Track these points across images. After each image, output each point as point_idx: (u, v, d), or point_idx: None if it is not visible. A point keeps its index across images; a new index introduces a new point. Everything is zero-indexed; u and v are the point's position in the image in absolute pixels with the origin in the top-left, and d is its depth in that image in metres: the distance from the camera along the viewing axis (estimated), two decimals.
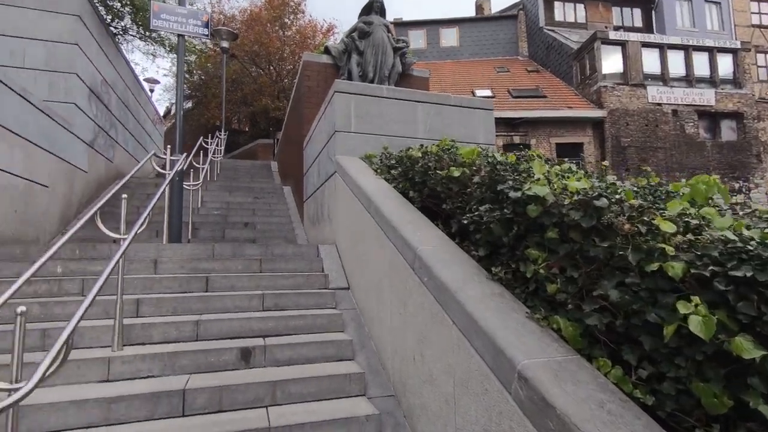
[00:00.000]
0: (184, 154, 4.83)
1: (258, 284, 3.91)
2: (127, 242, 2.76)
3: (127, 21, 9.57)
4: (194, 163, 7.86)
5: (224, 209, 7.69)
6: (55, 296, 3.41)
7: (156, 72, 44.47)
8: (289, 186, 9.81)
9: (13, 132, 4.88)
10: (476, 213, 2.30)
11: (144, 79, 23.42)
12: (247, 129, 21.63)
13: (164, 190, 4.01)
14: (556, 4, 22.38)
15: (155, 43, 10.17)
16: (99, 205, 3.13)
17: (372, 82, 7.38)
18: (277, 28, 18.12)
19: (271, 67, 18.63)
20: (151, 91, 24.01)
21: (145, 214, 3.09)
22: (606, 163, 3.68)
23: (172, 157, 4.67)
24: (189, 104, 23.78)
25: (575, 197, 1.79)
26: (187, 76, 21.77)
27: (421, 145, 4.52)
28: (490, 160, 2.61)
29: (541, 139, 17.14)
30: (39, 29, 6.49)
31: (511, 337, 1.79)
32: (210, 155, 8.46)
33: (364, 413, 2.55)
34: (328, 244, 4.88)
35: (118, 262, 2.60)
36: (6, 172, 4.77)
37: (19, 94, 5.02)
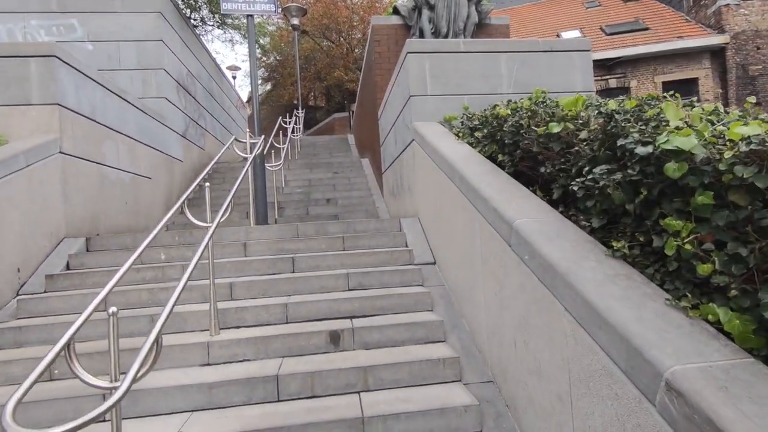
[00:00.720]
0: (262, 137, 4.88)
1: (342, 262, 3.84)
2: (211, 230, 2.79)
3: (204, 12, 9.89)
4: (275, 144, 8.06)
5: (306, 186, 7.83)
6: (161, 282, 3.65)
7: (235, 59, 46.83)
8: (366, 158, 9.72)
9: (116, 131, 5.29)
10: (589, 176, 1.87)
11: (226, 68, 24.79)
12: (323, 104, 21.97)
13: (247, 173, 4.05)
14: None
15: (232, 30, 10.47)
16: (185, 196, 3.22)
17: (446, 37, 6.82)
18: None
19: (341, 38, 18.46)
20: (234, 78, 25.39)
21: (226, 203, 3.11)
22: (752, 99, 2.92)
23: (251, 141, 4.73)
24: (268, 86, 24.75)
25: (743, 148, 1.31)
26: (264, 58, 22.55)
27: (508, 101, 4.03)
28: (602, 109, 2.12)
29: (644, 79, 15.00)
30: (129, 30, 6.93)
31: (650, 332, 1.41)
32: (289, 134, 8.61)
33: (462, 402, 2.34)
34: (410, 218, 4.66)
35: (205, 249, 2.62)
36: (115, 168, 5.23)
37: (118, 95, 5.41)
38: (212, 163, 4.23)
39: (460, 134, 3.99)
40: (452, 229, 3.33)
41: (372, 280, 3.54)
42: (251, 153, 4.45)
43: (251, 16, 5.11)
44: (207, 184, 3.23)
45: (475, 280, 2.83)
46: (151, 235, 2.70)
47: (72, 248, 4.05)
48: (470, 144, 3.71)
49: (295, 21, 15.35)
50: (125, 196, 5.45)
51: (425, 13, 7.18)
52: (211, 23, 10.35)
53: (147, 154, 6.19)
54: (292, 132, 10.83)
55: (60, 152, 4.19)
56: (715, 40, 14.15)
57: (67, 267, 3.89)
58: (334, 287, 3.48)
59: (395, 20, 7.52)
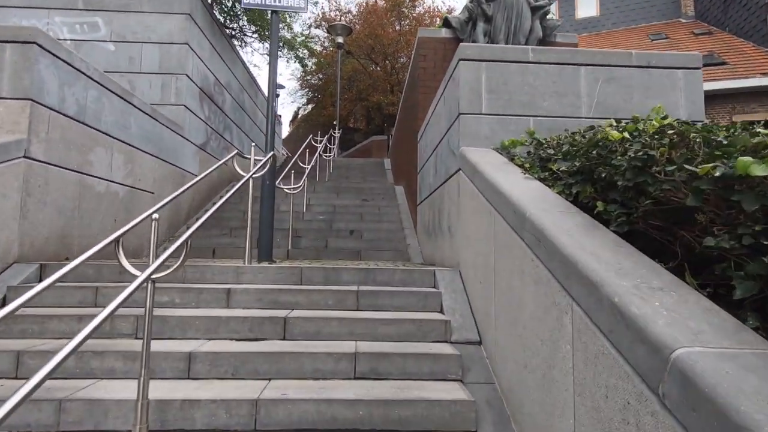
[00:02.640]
0: (272, 153, 3.99)
1: (352, 331, 2.78)
2: (138, 281, 1.81)
3: (244, 22, 9.44)
4: (300, 163, 7.23)
5: (330, 214, 6.90)
6: (105, 336, 2.71)
7: (279, 76, 48.08)
8: (401, 186, 8.74)
9: (111, 136, 4.57)
10: None
11: None
12: (362, 126, 21.43)
13: (247, 195, 3.12)
14: None
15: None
16: (124, 230, 2.27)
17: None
18: (393, 19, 17.31)
19: (386, 60, 17.93)
20: (277, 95, 25.52)
21: (175, 245, 2.13)
22: None
23: (256, 157, 3.85)
24: (309, 107, 24.62)
25: None
26: (308, 78, 22.44)
27: (591, 127, 2.93)
28: None
29: (720, 117, 13.38)
30: (153, 32, 6.39)
31: None
32: (317, 154, 7.78)
33: None
34: (447, 269, 3.56)
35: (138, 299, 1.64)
36: (103, 179, 4.47)
37: (119, 96, 4.72)
38: (189, 184, 3.33)
39: (527, 166, 2.91)
40: (514, 302, 2.22)
41: (389, 367, 2.45)
42: (253, 171, 3.53)
43: (276, 12, 4.33)
44: (155, 216, 2.27)
45: (560, 402, 1.70)
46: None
47: (18, 277, 3.23)
48: (542, 181, 2.62)
49: (340, 39, 14.93)
50: (115, 213, 4.68)
51: (480, 25, 6.25)
52: (251, 35, 9.86)
53: (152, 165, 5.46)
54: (325, 151, 10.05)
55: (25, 157, 3.44)
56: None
57: (3, 302, 3.04)
58: (333, 373, 2.42)
59: (445, 33, 6.63)
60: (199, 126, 6.93)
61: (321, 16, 18.60)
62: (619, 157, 1.78)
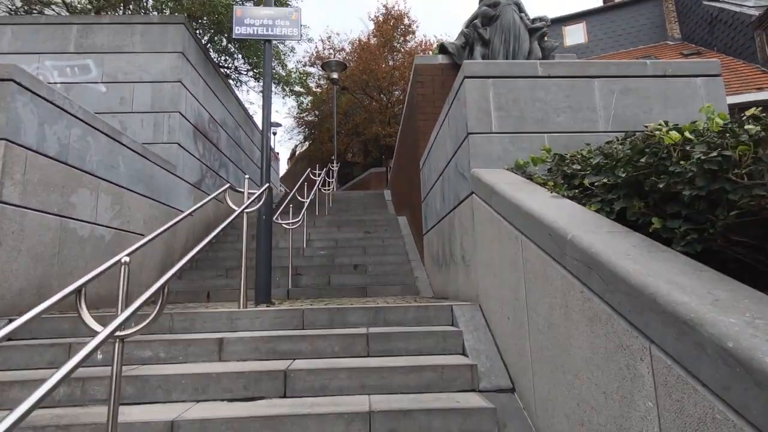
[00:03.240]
0: (267, 185, 3.71)
1: (363, 383, 2.38)
2: (96, 341, 1.45)
3: (239, 62, 9.45)
4: (298, 197, 6.96)
5: (332, 248, 6.56)
6: (77, 403, 2.32)
7: (275, 113, 48.73)
8: (404, 216, 8.44)
9: (97, 177, 4.30)
10: None
11: None
12: (360, 160, 21.41)
13: (240, 232, 2.80)
14: None
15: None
16: (83, 280, 1.94)
17: None
18: (385, 54, 17.59)
19: (381, 94, 18.08)
20: (274, 134, 25.69)
21: (143, 297, 1.79)
22: None
23: (250, 191, 3.57)
24: (306, 144, 24.74)
25: None
26: (304, 115, 22.64)
27: (609, 142, 2.67)
28: None
29: None
30: (145, 71, 6.27)
31: None
32: (316, 187, 7.53)
33: None
34: (465, 303, 3.19)
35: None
36: (88, 222, 4.17)
37: (107, 134, 4.49)
38: (168, 225, 3.02)
39: (550, 184, 2.61)
40: (557, 343, 1.85)
41: (412, 427, 2.05)
42: (245, 205, 3.23)
43: (269, 41, 4.17)
44: (125, 259, 1.95)
45: None
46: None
47: None
48: (572, 199, 2.31)
49: (335, 75, 15.06)
50: (101, 258, 4.34)
51: (478, 50, 6.14)
52: (246, 73, 9.86)
53: (142, 206, 5.17)
54: (323, 185, 9.83)
55: None
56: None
57: None
58: None
59: (441, 59, 6.53)
60: (193, 164, 6.71)
61: (315, 54, 18.95)
62: (681, 163, 1.47)
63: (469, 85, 3.44)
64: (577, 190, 2.39)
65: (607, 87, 3.48)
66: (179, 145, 6.20)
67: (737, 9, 15.98)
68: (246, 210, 3.37)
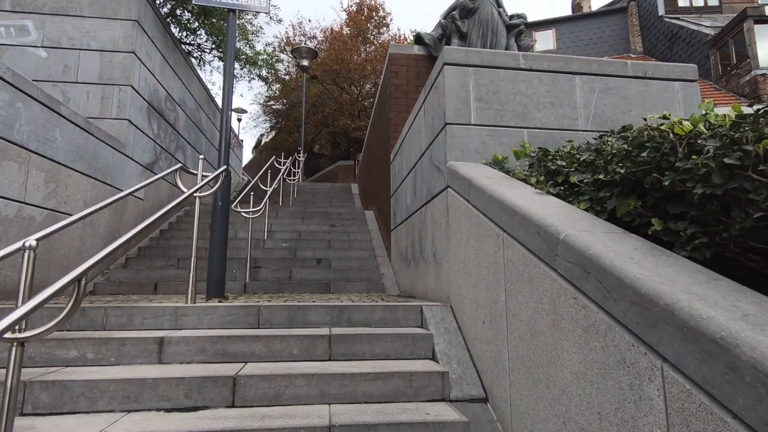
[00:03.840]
0: (224, 168, 3.36)
1: (323, 391, 2.14)
2: None
3: (202, 39, 8.85)
4: (261, 186, 6.57)
5: (294, 241, 6.23)
6: None
7: (240, 98, 47.05)
8: (371, 211, 8.21)
9: (27, 149, 3.79)
10: None
11: (232, 110, 24.13)
12: (328, 152, 20.95)
13: (192, 219, 2.46)
14: None
15: (236, 63, 9.38)
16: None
17: None
18: (358, 45, 17.21)
19: (353, 86, 17.70)
20: (239, 120, 24.71)
21: (51, 290, 1.45)
22: None
23: (204, 173, 3.21)
24: (272, 133, 23.97)
25: None
26: (272, 103, 21.89)
27: (589, 144, 2.56)
28: None
29: None
30: (93, 38, 5.68)
31: None
32: (280, 176, 7.15)
33: None
34: (435, 304, 3.00)
35: None
36: (13, 200, 3.66)
37: (42, 102, 3.97)
38: (83, 213, 2.64)
39: (533, 181, 2.45)
40: (542, 353, 1.68)
41: None
42: (196, 188, 2.87)
43: (233, 11, 3.80)
44: (29, 243, 1.60)
45: None
46: None
47: None
48: (557, 197, 2.16)
49: (305, 63, 14.57)
50: None
51: (455, 42, 5.98)
52: (210, 52, 9.27)
53: (83, 186, 4.66)
54: (288, 174, 9.43)
55: None
56: (750, 109, 13.17)
57: None
58: None
59: (417, 50, 6.32)
60: (146, 144, 6.17)
61: (285, 40, 18.28)
62: (693, 158, 1.31)
63: (449, 72, 3.24)
64: (561, 188, 2.24)
65: (588, 85, 3.38)
66: (130, 122, 5.67)
67: (695, 27, 16.77)
68: (198, 194, 3.02)
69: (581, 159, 2.14)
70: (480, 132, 3.19)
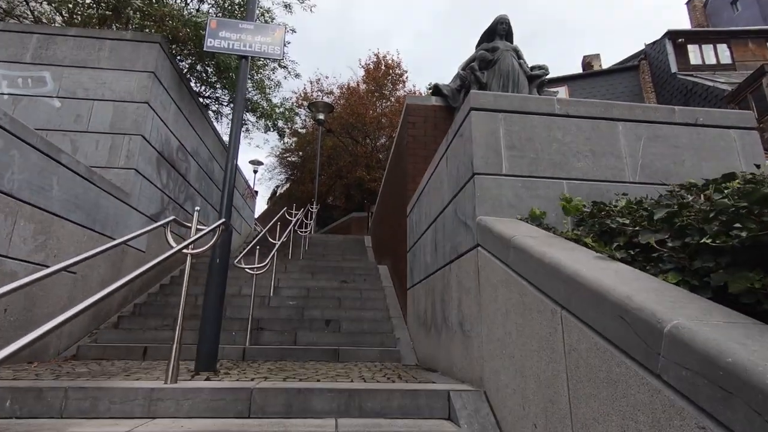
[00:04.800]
0: (221, 222, 3.00)
1: None
2: None
3: (220, 92, 8.97)
4: (269, 239, 6.22)
5: (303, 298, 5.75)
6: None
7: (257, 149, 48.27)
8: (385, 265, 7.75)
9: (17, 198, 3.52)
10: None
11: (249, 162, 24.57)
12: (341, 203, 20.85)
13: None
14: (690, 47, 19.24)
15: (250, 114, 9.45)
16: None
17: None
18: (374, 100, 17.58)
19: (367, 139, 17.88)
20: (255, 172, 25.08)
21: None
22: None
23: (199, 226, 2.85)
24: (287, 184, 24.17)
25: None
26: (287, 155, 22.23)
27: (639, 201, 2.14)
28: None
29: None
30: (108, 89, 5.65)
31: None
32: (291, 228, 6.82)
33: None
34: (466, 389, 2.46)
35: None
36: None
37: (40, 150, 3.76)
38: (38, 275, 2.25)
39: (588, 241, 2.01)
40: None
41: None
42: (185, 243, 2.48)
43: (245, 58, 3.64)
44: None
45: None
46: None
47: None
48: (624, 262, 1.71)
49: (321, 116, 14.79)
50: (6, 302, 3.46)
51: None
52: (228, 105, 9.36)
53: (77, 238, 4.35)
54: (299, 226, 9.13)
55: None
56: None
57: None
58: None
59: (435, 101, 6.16)
60: (153, 194, 5.95)
61: (303, 95, 18.82)
62: None
63: (477, 118, 2.91)
64: (628, 252, 1.79)
65: (632, 132, 3.02)
66: (137, 171, 5.47)
67: (710, 83, 16.77)
68: (189, 250, 2.64)
69: (659, 216, 1.70)
70: (513, 183, 2.80)
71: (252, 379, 2.65)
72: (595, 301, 1.39)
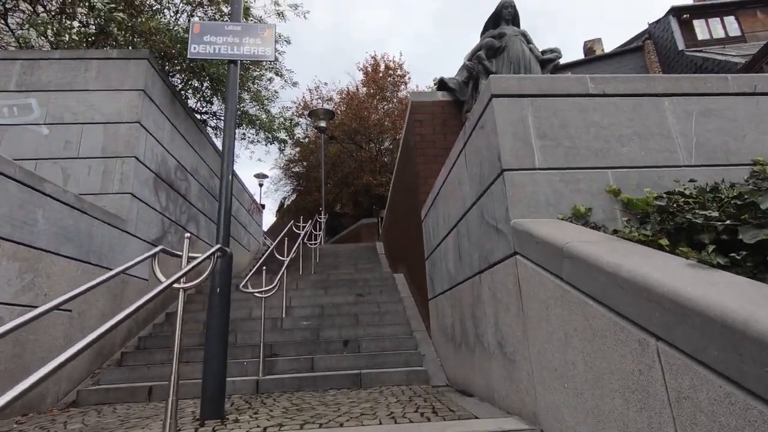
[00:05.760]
0: (215, 249, 2.64)
1: None
2: None
3: (216, 106, 8.69)
4: (276, 255, 5.87)
5: (317, 318, 5.38)
6: None
7: (259, 163, 48.26)
8: (400, 273, 7.36)
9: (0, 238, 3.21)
10: None
11: (254, 175, 24.37)
12: (350, 211, 20.51)
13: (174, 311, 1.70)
14: (696, 23, 18.64)
15: (249, 127, 9.15)
16: None
17: None
18: (375, 102, 17.23)
19: (371, 143, 17.54)
20: (260, 185, 24.85)
21: None
22: None
23: (192, 254, 2.51)
24: (293, 196, 23.90)
25: None
26: (291, 166, 21.97)
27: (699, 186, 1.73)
28: None
29: None
30: (98, 111, 5.36)
31: None
32: (299, 242, 6.47)
33: None
34: (518, 426, 2.06)
35: None
36: None
37: (20, 181, 3.45)
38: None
39: (663, 243, 1.61)
40: None
41: None
42: (176, 277, 2.11)
43: (234, 62, 3.31)
44: None
45: None
46: None
47: None
48: (724, 268, 1.30)
49: (322, 124, 14.49)
50: None
51: (484, 83, 5.39)
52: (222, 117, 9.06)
53: (72, 273, 4.03)
54: (309, 238, 8.78)
55: None
56: None
57: None
58: None
59: (441, 96, 5.78)
60: (152, 218, 5.64)
61: (303, 104, 18.56)
62: None
63: (500, 106, 2.53)
64: (724, 258, 1.39)
65: (681, 108, 2.60)
66: (133, 195, 5.17)
67: (721, 58, 16.14)
68: (181, 284, 2.28)
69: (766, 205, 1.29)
70: (549, 178, 2.40)
71: (264, 430, 2.28)
72: (720, 334, 0.99)
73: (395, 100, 17.34)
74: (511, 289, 2.34)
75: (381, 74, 17.14)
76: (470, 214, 3.04)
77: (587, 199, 2.37)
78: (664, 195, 1.93)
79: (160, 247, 2.53)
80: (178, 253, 2.57)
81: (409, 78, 18.51)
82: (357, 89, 18.05)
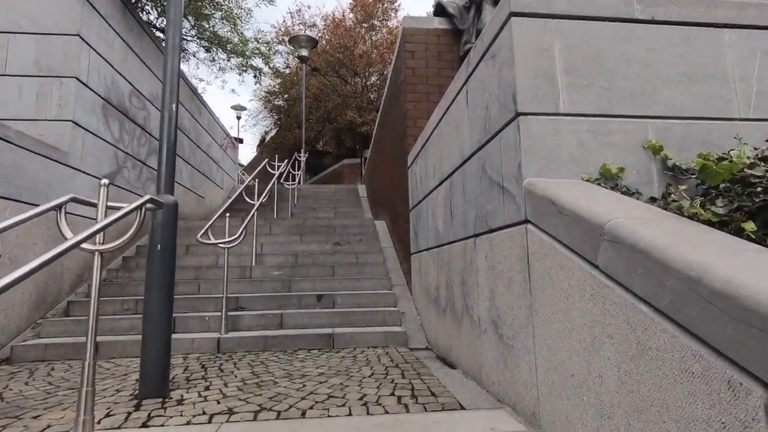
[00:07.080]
0: (145, 199, 2.09)
1: None
2: None
3: (184, 26, 7.58)
4: (246, 198, 5.33)
5: (290, 267, 4.98)
6: None
7: (232, 94, 45.83)
8: (382, 220, 6.94)
9: None
10: None
11: (231, 107, 22.89)
12: (332, 149, 19.65)
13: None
14: None
15: (219, 50, 8.11)
16: None
17: None
18: (363, 32, 15.83)
19: (357, 77, 16.35)
20: (238, 118, 23.47)
21: None
22: None
23: (111, 204, 1.98)
24: (274, 131, 22.69)
25: None
26: (271, 98, 20.61)
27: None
28: None
29: None
30: (26, 18, 4.45)
31: None
32: (272, 183, 5.90)
33: None
34: (514, 429, 1.72)
35: None
36: None
37: None
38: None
39: (744, 227, 1.16)
40: None
41: None
42: (85, 237, 1.59)
43: None
44: None
45: None
46: None
47: None
48: None
49: (304, 53, 13.27)
50: None
51: (488, 9, 4.64)
52: (192, 39, 8.01)
53: (3, 213, 3.44)
54: (285, 179, 8.19)
55: None
56: None
57: None
58: None
59: (438, 23, 5.02)
60: (102, 150, 4.95)
61: (284, 30, 16.94)
62: None
63: (520, 28, 1.94)
64: None
65: (744, 44, 2.07)
66: (75, 123, 4.44)
67: None
68: (96, 247, 1.78)
69: None
70: (576, 127, 1.89)
71: (211, 418, 1.90)
72: None
73: (384, 30, 15.94)
74: (515, 264, 1.91)
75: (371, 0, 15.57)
76: (468, 165, 2.54)
77: (619, 156, 1.89)
78: (760, 162, 1.44)
79: (69, 196, 1.98)
80: (93, 201, 2.02)
81: (400, 4, 16.90)
82: (343, 15, 16.49)
